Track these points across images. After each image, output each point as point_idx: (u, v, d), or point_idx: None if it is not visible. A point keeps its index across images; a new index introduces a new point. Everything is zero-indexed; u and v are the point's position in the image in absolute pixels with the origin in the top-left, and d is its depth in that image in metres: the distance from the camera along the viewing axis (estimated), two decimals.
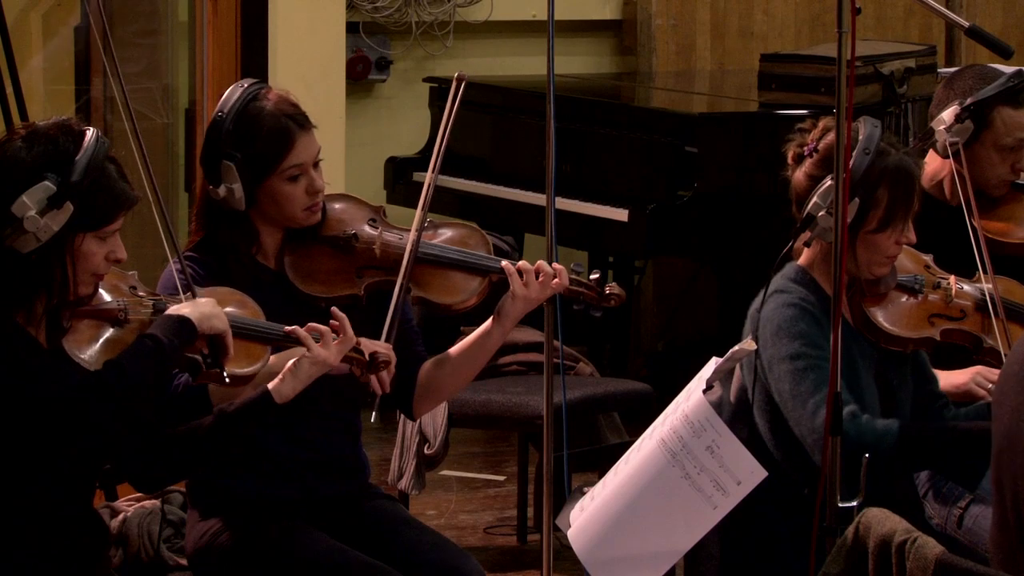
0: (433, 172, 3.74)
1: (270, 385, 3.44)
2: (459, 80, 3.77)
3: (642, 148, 5.96)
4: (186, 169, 6.00)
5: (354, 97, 6.89)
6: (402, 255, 3.69)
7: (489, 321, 3.76)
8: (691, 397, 3.29)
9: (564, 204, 5.77)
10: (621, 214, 5.85)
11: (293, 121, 3.64)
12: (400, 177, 6.63)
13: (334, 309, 3.50)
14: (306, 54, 5.82)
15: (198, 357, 3.33)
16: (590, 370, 5.54)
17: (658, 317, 7.34)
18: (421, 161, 6.60)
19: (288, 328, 3.47)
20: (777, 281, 3.72)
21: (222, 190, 3.62)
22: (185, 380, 3.47)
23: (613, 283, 3.81)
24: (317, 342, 3.44)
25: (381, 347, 3.58)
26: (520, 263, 3.75)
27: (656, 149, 5.92)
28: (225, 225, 3.65)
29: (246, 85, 3.66)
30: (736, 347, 3.33)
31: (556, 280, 3.74)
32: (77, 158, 3.22)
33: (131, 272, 3.41)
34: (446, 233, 3.81)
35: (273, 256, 3.72)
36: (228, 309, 3.47)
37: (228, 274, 3.63)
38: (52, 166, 3.21)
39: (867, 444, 3.51)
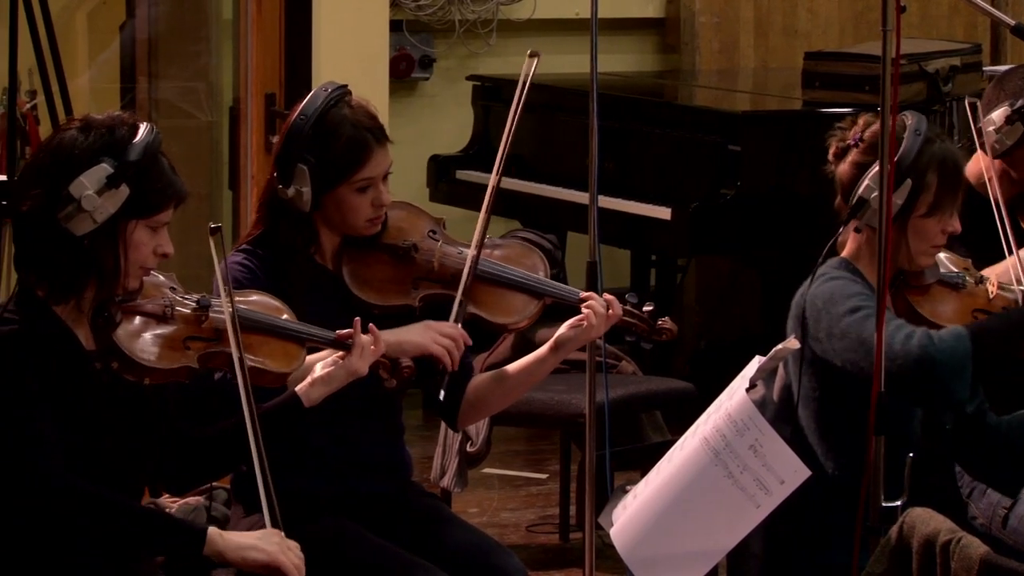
0: (498, 175, 3.72)
1: (299, 389, 3.45)
2: (532, 56, 3.73)
3: (685, 146, 5.95)
4: (230, 167, 6.02)
5: (397, 95, 6.90)
6: (461, 269, 3.68)
7: (545, 349, 3.75)
8: (734, 396, 3.29)
9: (607, 202, 5.77)
10: (664, 212, 5.84)
11: (371, 134, 3.66)
12: (443, 175, 6.63)
13: (372, 325, 3.51)
14: (349, 52, 5.83)
15: None
16: (632, 368, 5.54)
17: (701, 316, 7.32)
18: (464, 159, 6.61)
19: (341, 332, 3.48)
20: (820, 269, 3.75)
21: (291, 191, 3.64)
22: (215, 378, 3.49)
23: (666, 318, 3.81)
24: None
25: (447, 326, 3.59)
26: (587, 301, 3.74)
27: (699, 147, 5.91)
28: (286, 224, 3.67)
29: (330, 90, 3.68)
30: (779, 345, 3.32)
31: (611, 311, 3.74)
32: (134, 142, 3.27)
33: (169, 273, 3.44)
34: (505, 251, 3.81)
35: (331, 258, 3.73)
36: (256, 299, 3.48)
37: (284, 272, 3.65)
38: (108, 151, 3.26)
39: (951, 355, 3.59)
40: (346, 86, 3.72)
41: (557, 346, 3.74)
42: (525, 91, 3.71)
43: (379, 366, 3.52)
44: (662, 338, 3.81)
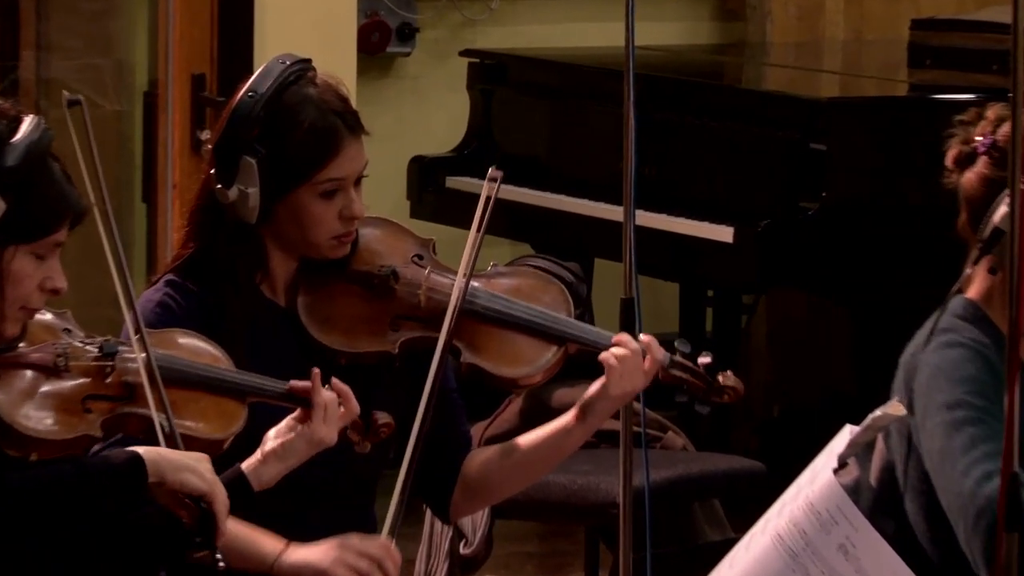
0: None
1: (246, 466, 3.47)
2: (492, 179, 3.76)
3: (752, 145, 5.97)
4: (145, 172, 6.04)
5: (368, 76, 6.93)
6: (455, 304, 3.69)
7: (571, 416, 3.75)
8: (817, 479, 3.29)
9: (647, 219, 5.78)
10: (724, 233, 5.86)
11: (343, 121, 3.68)
12: (429, 182, 6.65)
13: (335, 380, 3.51)
14: (304, 20, 5.86)
15: (193, 535, 3.30)
16: (682, 442, 5.54)
17: (773, 371, 7.34)
18: (456, 161, 6.62)
19: (296, 384, 3.49)
20: (942, 319, 3.72)
21: (233, 192, 3.66)
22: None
23: (728, 372, 3.81)
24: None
25: (372, 545, 3.58)
26: (616, 346, 3.72)
27: (771, 146, 5.93)
28: (225, 238, 3.68)
29: (288, 62, 3.71)
30: (878, 411, 3.32)
31: (649, 358, 3.73)
32: (13, 141, 3.27)
33: (63, 310, 3.44)
34: (514, 282, 3.82)
35: (283, 290, 3.75)
36: (182, 342, 3.48)
37: (222, 307, 3.66)
38: None
39: None
40: (309, 60, 3.74)
41: (583, 412, 3.74)
42: (487, 216, 3.72)
43: (349, 426, 3.52)
44: (723, 399, 3.81)
